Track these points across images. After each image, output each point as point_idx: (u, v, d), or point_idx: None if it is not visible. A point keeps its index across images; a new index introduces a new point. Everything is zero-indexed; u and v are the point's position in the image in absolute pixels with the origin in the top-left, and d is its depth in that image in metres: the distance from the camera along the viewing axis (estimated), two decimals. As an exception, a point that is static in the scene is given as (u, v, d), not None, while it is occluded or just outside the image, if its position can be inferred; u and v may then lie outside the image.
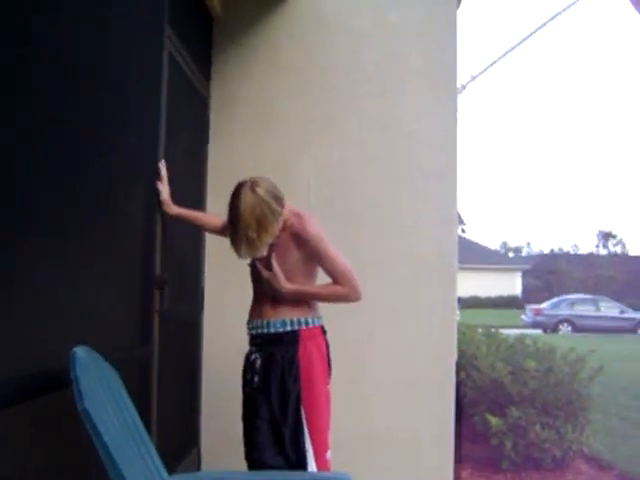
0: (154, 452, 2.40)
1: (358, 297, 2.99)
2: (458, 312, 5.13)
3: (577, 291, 33.56)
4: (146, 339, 3.21)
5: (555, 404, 5.21)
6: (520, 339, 6.61)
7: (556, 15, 9.24)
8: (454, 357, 4.52)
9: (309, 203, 4.26)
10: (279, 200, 2.83)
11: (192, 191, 4.25)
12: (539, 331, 23.43)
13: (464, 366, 6.04)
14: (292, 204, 3.00)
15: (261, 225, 2.74)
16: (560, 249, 56.54)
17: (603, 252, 51.44)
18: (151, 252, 3.26)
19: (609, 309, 26.96)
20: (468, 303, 32.63)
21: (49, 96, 2.08)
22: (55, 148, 2.13)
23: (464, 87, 9.53)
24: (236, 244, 2.80)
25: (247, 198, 2.75)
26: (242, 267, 3.23)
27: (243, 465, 3.03)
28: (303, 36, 4.60)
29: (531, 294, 39.51)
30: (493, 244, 74.10)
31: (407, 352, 4.42)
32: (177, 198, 3.40)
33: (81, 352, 2.07)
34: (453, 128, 4.53)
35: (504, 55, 9.90)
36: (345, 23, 4.59)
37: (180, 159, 3.85)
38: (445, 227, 4.50)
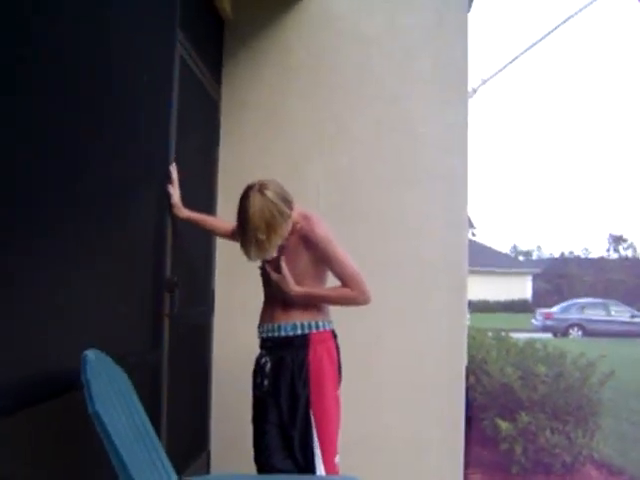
0: (164, 455, 2.40)
1: (367, 300, 2.98)
2: (468, 316, 5.12)
3: (587, 295, 33.43)
4: (156, 342, 3.21)
5: (565, 409, 5.20)
6: (530, 343, 6.58)
7: (568, 19, 9.23)
8: (464, 361, 4.51)
9: (319, 206, 4.26)
10: (288, 202, 2.84)
11: (203, 194, 4.26)
12: (549, 335, 23.37)
13: (474, 370, 6.03)
14: (301, 207, 3.01)
15: (270, 227, 2.75)
16: (571, 253, 56.34)
17: (614, 256, 51.23)
18: (162, 255, 3.27)
19: (620, 313, 26.86)
20: (478, 307, 32.55)
21: (61, 98, 2.09)
22: (67, 151, 2.14)
23: (475, 91, 9.52)
24: (246, 246, 2.81)
25: (256, 200, 2.75)
26: (252, 270, 3.24)
27: (252, 468, 3.03)
28: (314, 39, 4.60)
29: (541, 298, 39.42)
30: (503, 248, 74.10)
31: (416, 356, 4.42)
32: (188, 201, 3.41)
33: (92, 355, 2.08)
34: (464, 132, 4.52)
35: (515, 59, 9.89)
36: (356, 27, 4.59)
37: (191, 162, 3.85)
38: (455, 231, 4.49)
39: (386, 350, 4.43)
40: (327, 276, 3.05)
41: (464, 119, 4.54)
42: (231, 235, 3.37)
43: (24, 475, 1.91)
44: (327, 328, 3.01)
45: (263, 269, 3.08)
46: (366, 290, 2.96)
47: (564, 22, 9.28)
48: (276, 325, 2.98)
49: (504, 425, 5.18)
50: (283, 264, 2.96)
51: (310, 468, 2.87)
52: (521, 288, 41.40)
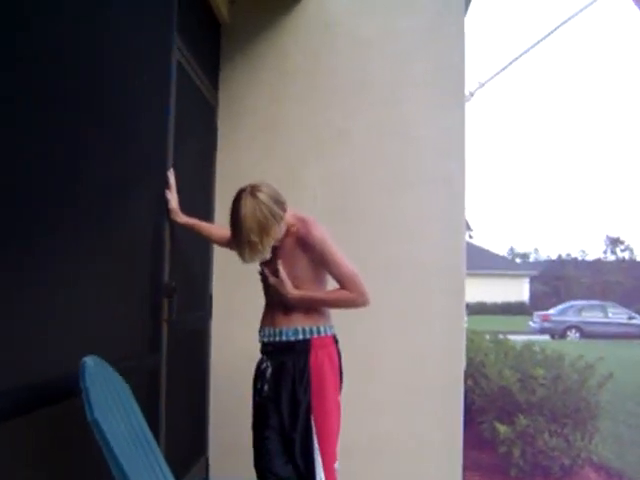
0: (163, 461, 2.39)
1: (366, 302, 2.97)
2: (465, 318, 5.12)
3: (585, 297, 33.46)
4: (155, 347, 3.21)
5: (563, 412, 5.19)
6: (528, 346, 6.57)
7: (565, 21, 9.23)
8: (462, 364, 4.51)
9: (316, 210, 4.25)
10: (280, 204, 2.84)
11: (200, 199, 4.26)
12: (547, 337, 23.37)
13: (472, 373, 6.03)
14: (299, 210, 3.01)
15: (263, 229, 2.76)
16: (568, 255, 56.38)
17: (611, 258, 51.25)
18: (160, 260, 3.27)
19: (617, 315, 26.84)
20: (475, 309, 32.57)
21: (59, 104, 2.10)
22: (64, 156, 2.14)
23: (472, 94, 9.52)
24: (239, 248, 2.83)
25: (248, 203, 2.76)
26: (250, 275, 3.24)
27: (251, 473, 3.02)
28: (311, 43, 4.61)
29: (539, 300, 39.42)
30: (500, 250, 73.98)
31: (415, 359, 4.42)
32: (185, 206, 3.41)
33: (91, 362, 2.07)
34: (461, 135, 4.52)
35: (512, 62, 9.88)
36: (353, 30, 4.60)
37: (188, 167, 3.86)
38: (453, 234, 4.49)
39: (384, 353, 4.43)
40: (326, 279, 3.04)
41: (461, 122, 4.54)
42: (227, 243, 3.37)
43: (23, 481, 1.91)
44: (329, 333, 3.01)
45: (262, 274, 3.08)
46: (365, 292, 2.95)
47: (561, 25, 9.28)
48: (277, 329, 2.98)
49: (502, 428, 5.17)
50: (280, 267, 2.95)
51: (310, 474, 2.87)
52: (518, 290, 41.40)
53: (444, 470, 4.36)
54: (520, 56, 9.85)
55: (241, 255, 2.84)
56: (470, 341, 6.94)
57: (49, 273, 2.06)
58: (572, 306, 27.52)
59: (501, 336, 7.98)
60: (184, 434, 3.97)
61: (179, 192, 3.36)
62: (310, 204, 4.35)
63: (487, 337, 7.87)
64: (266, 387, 2.97)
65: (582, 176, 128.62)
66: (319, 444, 2.88)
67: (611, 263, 48.47)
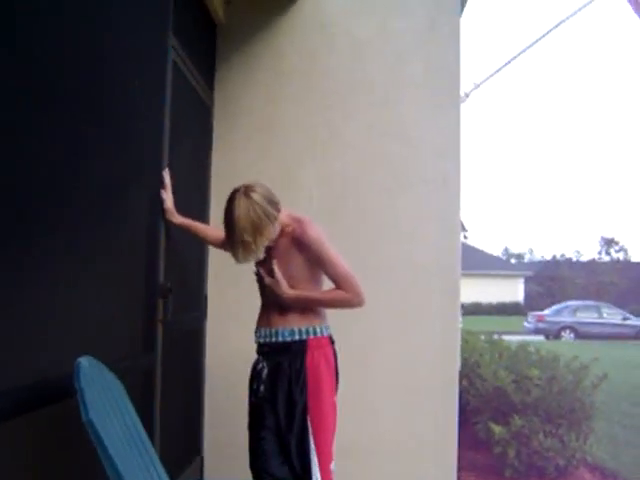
0: (157, 461, 2.39)
1: (361, 302, 2.97)
2: (460, 319, 5.13)
3: (579, 298, 33.51)
4: (150, 348, 3.20)
5: (558, 412, 5.20)
6: (523, 347, 6.59)
7: (560, 22, 9.25)
8: (457, 365, 4.52)
9: (312, 211, 4.26)
10: (274, 204, 2.85)
11: (195, 199, 4.25)
12: (541, 337, 23.42)
13: (467, 374, 6.04)
14: (294, 211, 3.02)
15: (256, 229, 2.76)
16: (562, 255, 56.38)
17: (605, 259, 51.30)
18: (155, 261, 3.26)
19: (612, 316, 26.91)
20: (470, 309, 32.65)
21: (56, 104, 2.09)
22: (59, 156, 2.13)
23: (467, 95, 9.54)
24: (233, 249, 2.83)
25: (241, 203, 2.77)
26: (245, 276, 3.24)
27: (246, 474, 3.02)
28: (306, 44, 4.61)
29: (533, 300, 39.51)
30: (495, 250, 74.17)
31: (409, 360, 4.42)
32: (180, 206, 3.41)
33: (85, 362, 2.07)
34: (456, 136, 4.53)
35: (507, 63, 9.91)
36: (349, 31, 4.60)
37: (184, 167, 3.85)
38: (448, 235, 4.49)
39: (379, 354, 4.43)
40: (322, 279, 3.04)
41: (457, 123, 4.54)
42: (222, 244, 3.38)
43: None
44: (325, 334, 3.01)
45: (258, 274, 3.08)
46: (360, 292, 2.95)
47: (557, 26, 9.30)
48: (273, 330, 2.98)
49: (497, 428, 5.19)
50: (275, 267, 2.96)
51: (306, 474, 2.87)
52: (513, 291, 41.48)
53: (438, 470, 4.36)
54: (515, 57, 9.88)
55: (235, 255, 2.85)
56: (465, 341, 6.96)
57: (45, 273, 2.06)
58: (567, 306, 27.58)
59: (496, 336, 8.00)
60: (179, 434, 3.96)
61: (174, 192, 3.36)
62: (306, 205, 4.35)
63: (482, 337, 7.88)
64: (262, 388, 2.97)
65: (577, 177, 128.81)
66: (315, 444, 2.88)
67: (605, 264, 48.52)
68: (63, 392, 2.07)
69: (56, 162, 2.11)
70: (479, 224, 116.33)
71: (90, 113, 2.38)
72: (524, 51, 9.80)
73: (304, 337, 2.94)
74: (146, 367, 3.19)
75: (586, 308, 27.38)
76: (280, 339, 2.95)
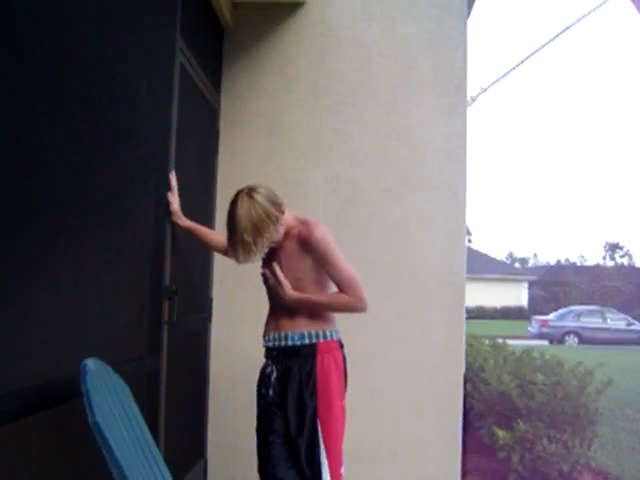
0: (162, 463, 2.40)
1: (363, 307, 2.96)
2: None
3: (583, 302, 33.43)
4: (155, 350, 3.21)
5: (562, 418, 5.19)
6: (527, 351, 6.58)
7: (568, 27, 9.24)
8: (462, 369, 4.51)
9: (318, 215, 4.25)
10: (277, 205, 2.85)
11: (201, 202, 4.26)
12: (545, 342, 23.35)
13: (471, 378, 6.03)
14: (301, 214, 3.02)
15: (257, 229, 2.76)
16: (567, 260, 56.43)
17: (610, 264, 51.23)
18: (161, 263, 3.27)
19: (616, 321, 26.82)
20: (474, 313, 32.54)
21: (63, 105, 2.10)
22: (66, 158, 2.14)
23: (474, 99, 9.53)
24: (234, 248, 2.84)
25: (244, 203, 2.78)
26: (250, 279, 3.24)
27: (248, 475, 3.02)
28: (313, 47, 4.61)
29: (537, 305, 39.40)
30: (499, 255, 74.13)
31: (415, 363, 4.42)
32: (186, 209, 3.41)
33: (91, 364, 2.07)
34: (463, 141, 4.52)
35: (514, 67, 9.90)
36: (356, 35, 4.60)
37: (190, 170, 3.86)
38: (454, 239, 4.49)
39: (384, 357, 4.43)
40: (329, 283, 3.02)
41: (463, 127, 4.54)
42: (225, 250, 3.39)
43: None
44: (334, 337, 3.00)
45: (264, 275, 3.08)
46: (363, 296, 2.93)
47: (564, 30, 9.29)
48: (282, 334, 2.97)
49: (501, 433, 5.17)
50: (277, 269, 2.96)
51: (317, 479, 2.86)
52: (517, 295, 41.41)
53: (443, 475, 4.36)
54: (522, 62, 9.87)
55: (235, 255, 2.86)
56: (469, 345, 6.94)
57: (51, 275, 2.06)
58: (571, 311, 27.48)
59: (500, 341, 7.98)
60: (183, 436, 3.97)
61: (180, 195, 3.36)
62: (312, 209, 4.34)
63: (487, 342, 7.87)
64: (271, 392, 2.96)
65: (582, 182, 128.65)
66: (325, 449, 2.86)
67: (610, 269, 48.42)
68: (69, 393, 2.08)
69: (61, 164, 2.12)
70: (484, 228, 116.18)
71: (96, 114, 2.39)
72: (531, 55, 9.80)
73: (314, 341, 2.93)
74: (151, 369, 3.19)
75: (590, 313, 27.28)
76: (290, 343, 2.94)
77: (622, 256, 52.29)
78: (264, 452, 2.96)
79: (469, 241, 35.00)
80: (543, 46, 9.65)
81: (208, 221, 4.25)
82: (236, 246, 2.81)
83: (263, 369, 3.06)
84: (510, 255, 69.77)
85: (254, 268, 3.14)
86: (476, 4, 5.32)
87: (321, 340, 2.94)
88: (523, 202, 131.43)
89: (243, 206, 2.78)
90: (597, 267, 48.77)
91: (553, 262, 57.03)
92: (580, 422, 5.26)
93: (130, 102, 2.79)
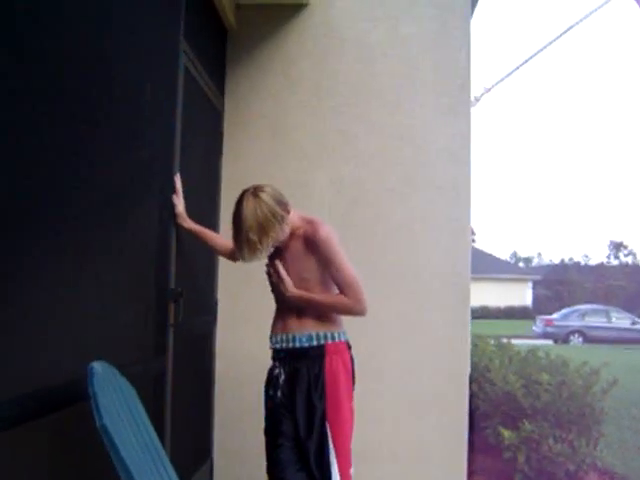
0: (169, 465, 2.40)
1: (362, 310, 2.94)
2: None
3: (588, 302, 33.37)
4: (161, 352, 3.21)
5: (568, 417, 5.18)
6: (532, 351, 6.56)
7: (571, 27, 9.23)
8: (467, 369, 4.51)
9: (322, 216, 4.24)
10: (283, 205, 2.86)
11: (205, 204, 4.26)
12: (549, 342, 23.31)
13: (476, 378, 6.01)
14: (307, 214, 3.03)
15: (262, 228, 2.78)
16: (571, 259, 56.34)
17: (614, 263, 51.18)
18: (166, 265, 3.27)
19: (620, 320, 26.75)
20: (478, 313, 32.51)
21: (67, 107, 2.10)
22: (71, 161, 2.15)
23: (478, 99, 9.53)
24: (239, 247, 2.85)
25: (249, 202, 2.80)
26: (255, 281, 3.25)
27: (254, 477, 3.02)
28: (316, 49, 4.61)
29: (542, 304, 39.36)
30: (503, 254, 74.04)
31: (420, 364, 4.41)
32: (191, 211, 3.41)
33: (98, 367, 2.08)
34: (467, 141, 4.52)
35: (518, 67, 9.90)
36: (359, 36, 4.60)
37: (194, 172, 3.86)
38: (458, 239, 4.49)
39: (389, 358, 4.43)
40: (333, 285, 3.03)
41: (467, 128, 4.54)
42: (229, 254, 3.40)
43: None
44: (342, 339, 3.00)
45: (269, 274, 3.08)
46: (362, 299, 2.91)
47: (567, 30, 9.29)
48: (290, 335, 2.96)
49: (507, 433, 5.16)
50: (279, 266, 2.97)
51: None
52: (521, 294, 41.39)
53: (449, 475, 4.36)
54: (526, 61, 9.86)
55: (241, 254, 2.87)
56: (474, 345, 6.92)
57: (57, 278, 2.06)
58: (575, 311, 27.43)
59: (504, 340, 7.97)
60: (189, 438, 3.97)
61: (185, 197, 3.37)
62: (317, 210, 4.33)
63: (492, 342, 7.85)
64: (279, 393, 2.96)
65: (586, 180, 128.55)
66: (335, 450, 2.86)
67: (614, 268, 48.38)
68: (75, 396, 2.08)
69: (66, 167, 2.12)
70: (488, 228, 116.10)
71: (100, 117, 2.39)
72: (535, 55, 9.80)
73: (322, 342, 2.93)
74: (157, 371, 3.19)
75: (595, 312, 27.23)
76: (298, 345, 2.94)
77: (626, 255, 52.27)
78: (273, 455, 2.95)
79: (473, 241, 34.97)
80: (547, 45, 9.66)
81: (213, 223, 4.25)
82: (241, 245, 2.82)
83: (270, 370, 3.05)
84: (514, 254, 69.71)
85: (258, 269, 3.15)
86: (479, 4, 5.31)
87: (329, 341, 2.94)
88: (527, 201, 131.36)
89: (249, 205, 2.79)
90: (601, 266, 48.76)
91: (557, 261, 56.97)
92: (586, 422, 5.24)
93: (134, 104, 2.79)
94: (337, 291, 2.99)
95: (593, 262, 53.87)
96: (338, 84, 4.58)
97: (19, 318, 1.82)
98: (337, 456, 2.86)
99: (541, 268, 54.07)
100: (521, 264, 63.16)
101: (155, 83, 3.05)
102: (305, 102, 4.59)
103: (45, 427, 1.97)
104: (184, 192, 3.36)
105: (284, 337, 2.98)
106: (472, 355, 5.65)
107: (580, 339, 25.16)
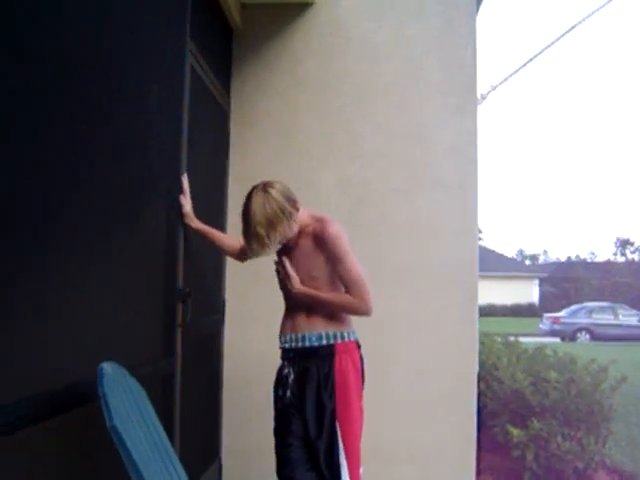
0: (179, 465, 2.40)
1: (366, 310, 2.93)
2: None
3: (594, 299, 33.27)
4: (169, 352, 3.22)
5: (577, 415, 5.17)
6: (540, 349, 6.55)
7: (577, 24, 9.21)
8: (476, 368, 4.50)
9: (330, 214, 4.24)
10: (292, 201, 2.87)
11: (212, 203, 4.26)
12: (557, 339, 23.26)
13: (484, 376, 6.00)
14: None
15: (271, 223, 2.79)
16: (577, 257, 56.26)
17: (621, 259, 51.07)
18: (174, 265, 3.28)
19: (627, 317, 26.64)
20: (485, 311, 32.44)
21: (72, 107, 2.11)
22: (78, 162, 2.15)
23: (484, 97, 9.52)
24: (248, 241, 2.87)
25: (258, 197, 2.82)
26: (263, 280, 3.25)
27: (262, 476, 3.02)
28: (322, 47, 4.61)
29: (548, 302, 39.27)
30: (510, 252, 73.92)
31: (428, 362, 4.41)
32: (198, 211, 3.42)
33: (108, 368, 2.08)
34: (473, 139, 4.51)
35: (525, 65, 9.88)
36: (364, 35, 4.59)
37: (201, 171, 3.86)
38: (466, 239, 4.48)
39: (397, 356, 4.42)
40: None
41: (474, 125, 4.53)
42: (237, 254, 3.41)
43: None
44: (352, 338, 3.00)
45: (278, 270, 3.07)
46: (368, 299, 2.91)
47: (573, 27, 9.26)
48: (300, 335, 2.96)
49: (515, 431, 5.16)
50: (287, 262, 2.97)
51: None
52: (528, 292, 41.31)
53: (458, 473, 4.35)
54: (532, 59, 9.84)
55: (249, 249, 2.90)
56: (481, 343, 6.89)
57: (64, 279, 2.07)
58: (582, 308, 27.32)
59: (512, 338, 7.95)
60: (198, 438, 3.97)
61: (192, 197, 3.37)
62: (324, 208, 4.30)
63: (499, 340, 7.84)
64: (289, 393, 2.96)
65: (592, 177, 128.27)
66: (345, 450, 2.86)
67: (621, 265, 48.25)
68: (85, 397, 2.08)
69: (74, 167, 2.12)
70: (494, 225, 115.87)
71: (107, 117, 2.40)
72: (541, 52, 9.78)
73: (332, 342, 2.92)
74: (166, 371, 3.20)
75: (602, 309, 27.11)
76: (307, 344, 2.94)
77: (633, 252, 52.15)
78: (282, 454, 2.95)
79: (479, 238, 34.91)
80: (553, 43, 9.64)
81: (220, 223, 4.26)
82: (250, 239, 2.84)
83: (280, 370, 3.05)
84: (520, 252, 69.54)
85: (266, 268, 3.15)
86: (484, 1, 5.30)
87: (339, 341, 2.93)
88: (533, 199, 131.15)
89: (258, 200, 2.81)
90: (608, 263, 48.63)
91: (563, 259, 56.84)
92: (594, 419, 5.23)
93: (140, 104, 2.80)
94: (340, 290, 2.99)
95: (599, 259, 53.79)
96: (344, 83, 4.58)
97: (26, 318, 1.83)
98: (347, 455, 2.86)
99: (547, 265, 54.00)
100: (527, 262, 63.05)
101: (161, 83, 3.05)
102: (311, 101, 4.59)
103: (55, 427, 1.98)
104: (191, 192, 3.36)
105: (293, 337, 2.98)
106: (480, 353, 5.63)
107: (587, 336, 25.07)
